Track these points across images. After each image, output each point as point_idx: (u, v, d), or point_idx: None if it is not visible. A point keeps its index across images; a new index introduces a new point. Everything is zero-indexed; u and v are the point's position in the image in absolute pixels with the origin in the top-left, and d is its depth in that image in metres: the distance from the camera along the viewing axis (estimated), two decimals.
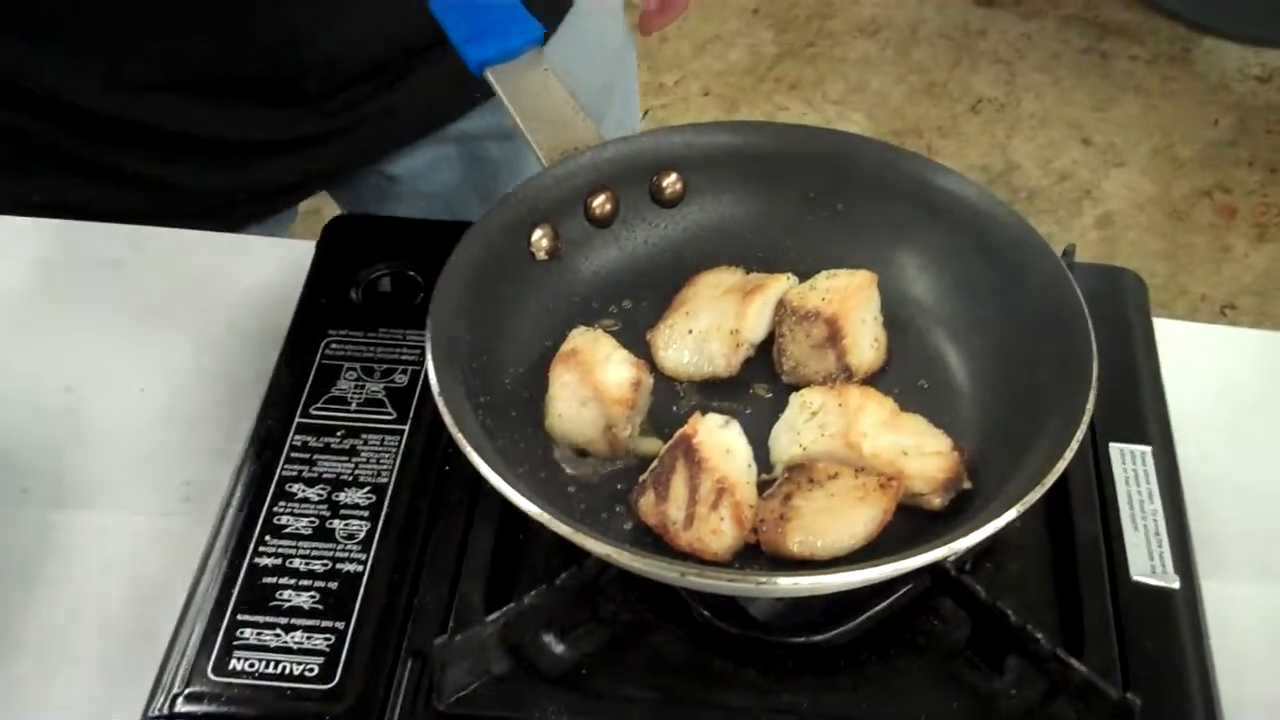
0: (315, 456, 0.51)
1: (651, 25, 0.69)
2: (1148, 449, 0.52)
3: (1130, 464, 0.52)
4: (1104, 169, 2.13)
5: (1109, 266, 0.60)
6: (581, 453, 0.49)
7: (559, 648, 0.46)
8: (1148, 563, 0.49)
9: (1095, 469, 0.51)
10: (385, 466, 0.51)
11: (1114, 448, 0.52)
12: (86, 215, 0.66)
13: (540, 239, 0.53)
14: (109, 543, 0.54)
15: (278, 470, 0.51)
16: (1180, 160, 2.08)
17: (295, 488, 0.50)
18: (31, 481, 0.57)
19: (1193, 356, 0.61)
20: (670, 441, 0.47)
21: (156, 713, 0.45)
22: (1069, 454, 0.44)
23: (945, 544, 0.42)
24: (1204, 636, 0.48)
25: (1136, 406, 0.54)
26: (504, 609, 0.45)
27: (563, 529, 0.42)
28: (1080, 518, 0.50)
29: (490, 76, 0.54)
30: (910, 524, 0.47)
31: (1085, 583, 0.48)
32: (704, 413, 0.48)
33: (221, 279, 0.65)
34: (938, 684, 0.46)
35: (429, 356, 0.46)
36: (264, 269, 0.64)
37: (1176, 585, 0.48)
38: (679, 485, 0.46)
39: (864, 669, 0.47)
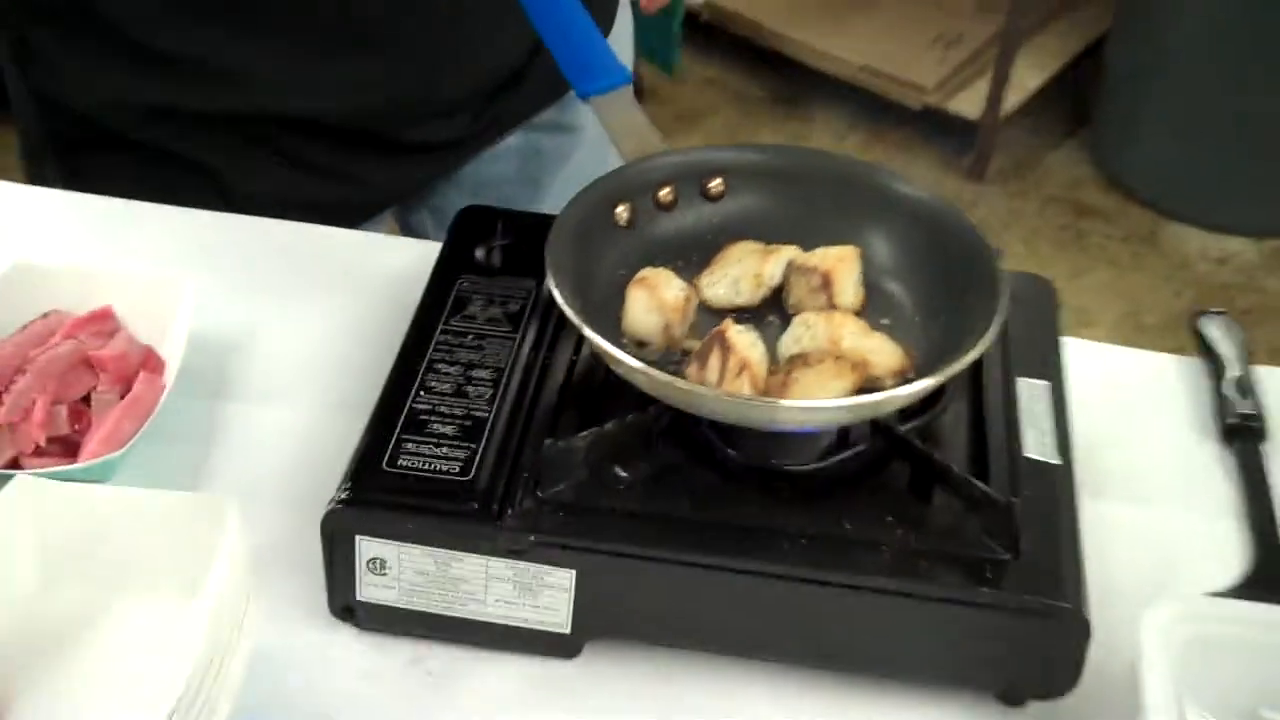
0: (453, 350, 0.73)
1: (653, 4, 0.91)
2: (1046, 384, 0.73)
3: (1032, 392, 0.73)
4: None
5: (1030, 274, 0.82)
6: (641, 344, 0.70)
7: (621, 472, 0.67)
8: (1037, 447, 0.70)
9: (1005, 391, 0.72)
10: (503, 356, 0.72)
11: (1021, 381, 0.73)
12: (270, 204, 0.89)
13: (621, 212, 0.75)
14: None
15: (427, 355, 0.72)
16: (1144, 326, 2.32)
17: (440, 366, 0.71)
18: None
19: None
20: (709, 335, 0.68)
21: (342, 496, 0.66)
22: (984, 344, 0.65)
23: (890, 390, 0.63)
24: (1074, 501, 0.68)
25: (1041, 356, 0.75)
26: (587, 431, 0.66)
27: (634, 364, 0.63)
28: (992, 418, 0.71)
29: (593, 103, 0.77)
30: None
31: (992, 452, 0.68)
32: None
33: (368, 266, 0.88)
34: (887, 508, 0.66)
35: (548, 267, 0.68)
36: (407, 257, 0.87)
37: (1058, 462, 0.69)
38: (714, 361, 0.67)
39: (837, 497, 0.67)
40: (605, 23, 1.03)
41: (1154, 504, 0.78)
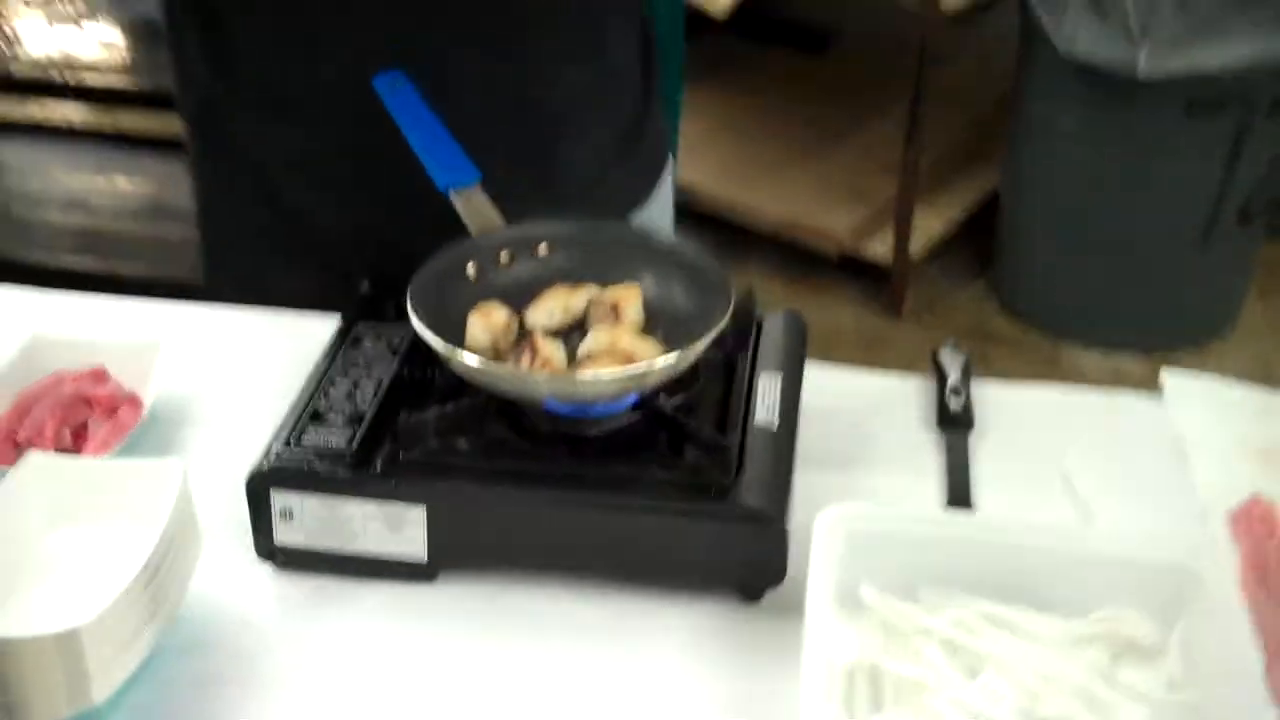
0: (347, 370, 0.99)
1: None
2: (780, 373, 1.00)
3: (768, 381, 1.00)
4: None
5: (792, 310, 1.09)
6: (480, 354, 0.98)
7: (462, 442, 0.94)
8: (764, 417, 0.96)
9: (749, 381, 0.99)
10: (382, 371, 0.99)
11: (762, 373, 1.00)
12: None
13: (470, 269, 1.03)
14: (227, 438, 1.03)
15: (326, 372, 0.99)
16: None
17: (336, 379, 0.98)
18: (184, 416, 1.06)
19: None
20: (522, 343, 0.96)
21: (261, 463, 0.92)
22: (706, 338, 0.92)
23: (646, 362, 0.91)
24: (790, 453, 0.95)
25: (784, 360, 1.02)
26: (434, 408, 0.93)
27: (464, 358, 0.91)
28: (734, 396, 0.97)
29: (451, 194, 1.06)
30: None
31: (729, 417, 0.95)
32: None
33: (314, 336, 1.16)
34: (652, 458, 0.93)
35: (409, 301, 0.96)
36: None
37: (776, 428, 0.95)
38: (525, 359, 0.94)
39: (616, 452, 0.93)
40: (655, 167, 1.34)
41: (874, 472, 1.04)
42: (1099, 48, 2.47)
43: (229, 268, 1.29)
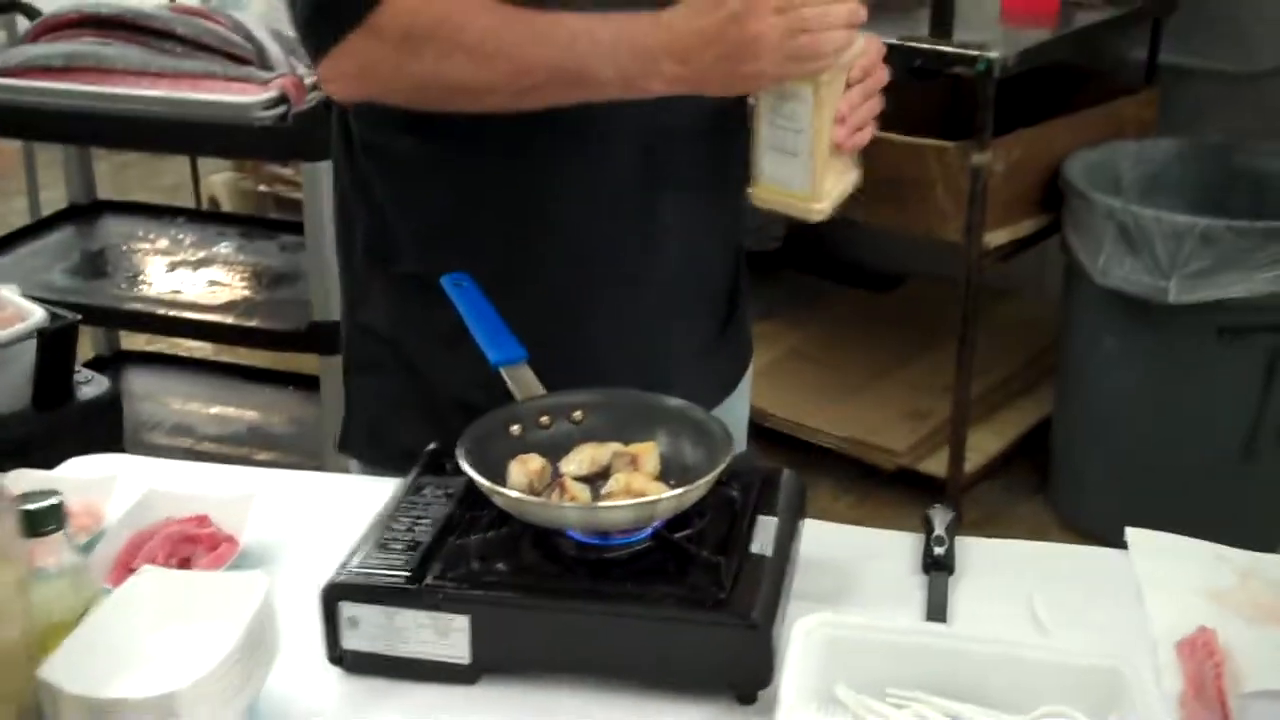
0: (409, 512, 1.18)
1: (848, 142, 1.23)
2: (776, 517, 1.17)
3: (766, 521, 1.16)
4: None
5: (792, 471, 1.26)
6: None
7: (500, 564, 1.11)
8: (760, 547, 1.13)
9: (750, 521, 1.16)
10: (438, 514, 1.18)
11: (760, 515, 1.17)
12: None
13: (514, 429, 1.22)
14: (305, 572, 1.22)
15: (391, 514, 1.18)
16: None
17: (400, 519, 1.17)
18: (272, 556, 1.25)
19: None
20: (554, 483, 1.14)
21: (333, 578, 1.10)
22: (712, 476, 1.10)
23: (657, 498, 1.08)
24: (780, 577, 1.11)
25: (782, 508, 1.19)
26: (476, 536, 1.11)
27: (502, 492, 1.09)
28: (736, 533, 1.14)
29: (500, 369, 1.26)
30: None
31: (729, 550, 1.12)
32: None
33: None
34: (660, 581, 1.09)
35: (458, 451, 1.15)
36: None
37: (770, 554, 1.12)
38: (555, 496, 1.13)
39: (628, 575, 1.10)
40: (744, 355, 1.56)
41: (863, 607, 1.19)
42: (1133, 280, 2.66)
43: (363, 425, 1.49)
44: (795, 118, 1.21)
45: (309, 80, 2.58)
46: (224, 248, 3.13)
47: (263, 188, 3.80)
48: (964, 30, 2.79)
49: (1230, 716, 1.05)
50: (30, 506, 1.01)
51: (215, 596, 1.07)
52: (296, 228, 3.14)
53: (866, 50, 1.22)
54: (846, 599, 1.21)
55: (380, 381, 1.43)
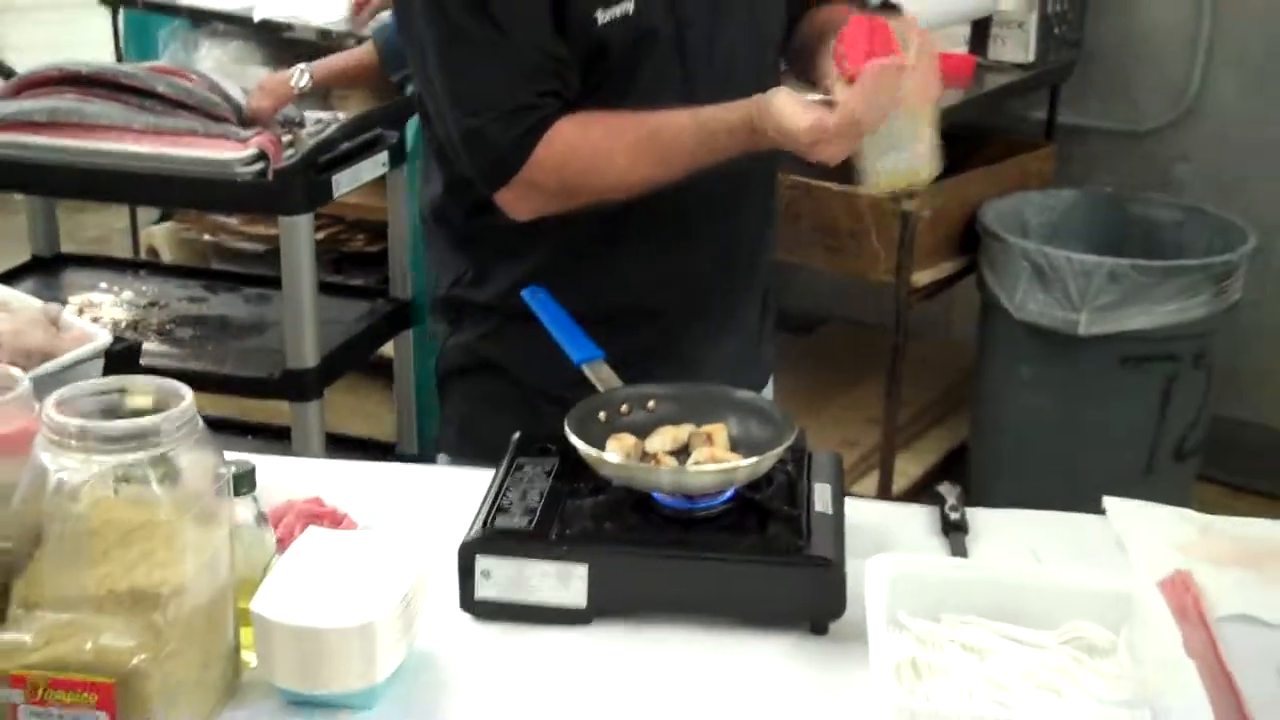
0: (519, 481, 1.38)
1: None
2: (829, 483, 1.39)
3: (821, 487, 1.39)
4: None
5: (833, 451, 1.49)
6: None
7: (608, 523, 1.32)
8: (821, 507, 1.35)
9: (808, 488, 1.38)
10: (543, 481, 1.38)
11: (815, 482, 1.39)
12: None
13: (601, 416, 1.43)
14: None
15: (503, 479, 1.38)
16: None
17: (510, 488, 1.37)
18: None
19: None
20: (650, 456, 1.35)
21: (468, 536, 1.30)
22: (783, 448, 1.32)
23: (733, 463, 1.30)
24: (841, 527, 1.33)
25: (828, 474, 1.41)
26: (588, 500, 1.31)
27: (603, 457, 1.30)
28: (798, 496, 1.36)
29: (582, 366, 1.47)
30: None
31: (798, 504, 1.34)
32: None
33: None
34: (744, 533, 1.31)
35: (567, 425, 1.35)
36: None
37: (830, 512, 1.34)
38: (652, 461, 1.34)
39: (715, 530, 1.31)
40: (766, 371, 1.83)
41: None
42: (1047, 313, 2.95)
43: (454, 423, 1.73)
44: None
45: (286, 138, 2.75)
46: (186, 300, 3.24)
47: (207, 237, 3.92)
48: None
49: (1211, 631, 1.30)
50: (230, 471, 1.19)
51: (375, 551, 1.26)
52: (259, 280, 3.30)
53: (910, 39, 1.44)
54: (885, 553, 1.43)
55: (470, 385, 1.64)
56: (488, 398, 1.65)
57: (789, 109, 1.41)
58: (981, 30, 3.30)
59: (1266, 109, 3.36)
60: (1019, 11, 3.26)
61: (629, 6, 1.50)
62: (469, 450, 1.62)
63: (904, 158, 1.47)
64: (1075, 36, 3.42)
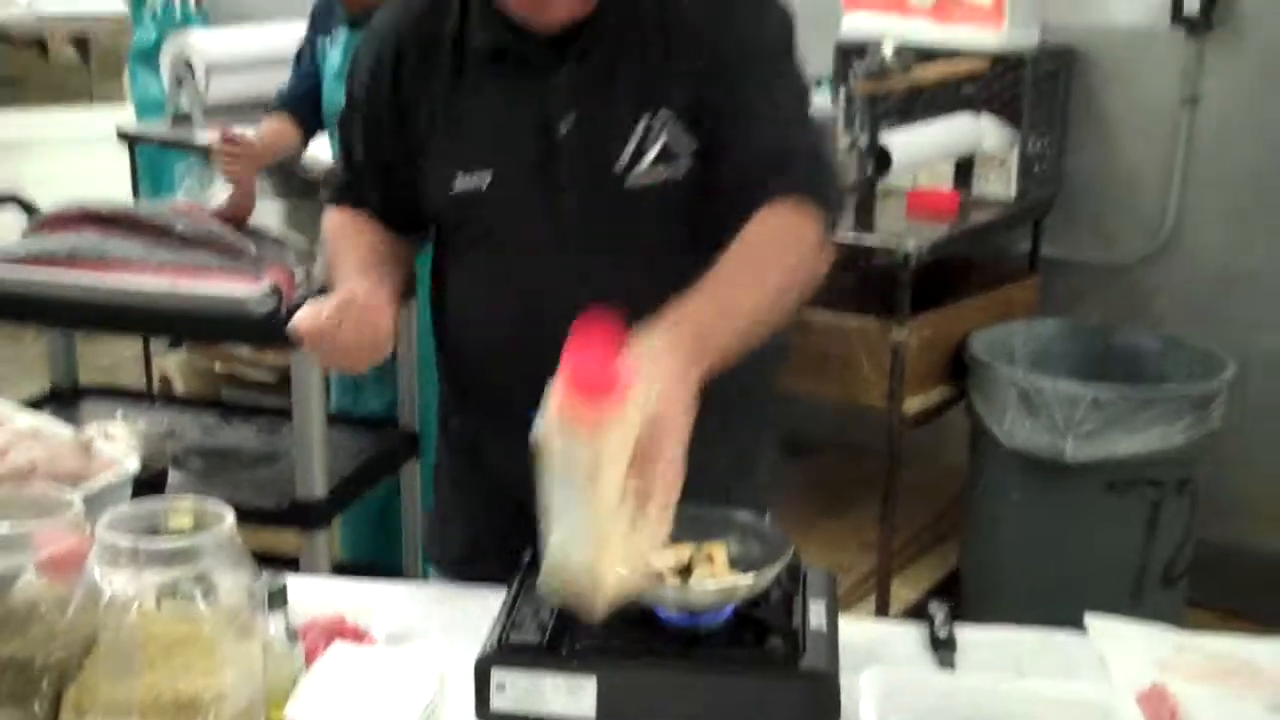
0: (528, 603, 1.47)
1: None
2: (823, 600, 1.48)
3: (817, 605, 1.47)
4: None
5: (826, 569, 1.57)
6: None
7: (614, 640, 1.40)
8: (817, 623, 1.43)
9: (804, 605, 1.46)
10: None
11: (811, 599, 1.47)
12: None
13: None
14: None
15: (514, 604, 1.46)
16: None
17: (523, 608, 1.45)
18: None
19: None
20: (657, 575, 1.44)
21: (484, 650, 1.37)
22: (780, 565, 1.41)
23: (735, 582, 1.39)
24: (835, 641, 1.41)
25: (821, 591, 1.50)
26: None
27: None
28: (794, 613, 1.44)
29: None
30: None
31: (794, 619, 1.42)
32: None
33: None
34: (744, 648, 1.39)
35: None
36: None
37: (825, 627, 1.42)
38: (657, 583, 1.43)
39: (717, 645, 1.39)
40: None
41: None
42: (1034, 440, 3.04)
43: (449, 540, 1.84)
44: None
45: (298, 276, 2.86)
46: (200, 430, 3.33)
47: (219, 367, 4.03)
48: (878, 225, 3.22)
49: None
50: (265, 587, 1.28)
51: (398, 665, 1.34)
52: (270, 411, 3.39)
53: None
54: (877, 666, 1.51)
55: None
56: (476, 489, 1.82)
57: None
58: (965, 168, 3.45)
59: (1241, 241, 3.49)
60: (1001, 150, 3.41)
61: (486, 177, 1.63)
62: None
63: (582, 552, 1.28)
64: (1055, 173, 3.57)
